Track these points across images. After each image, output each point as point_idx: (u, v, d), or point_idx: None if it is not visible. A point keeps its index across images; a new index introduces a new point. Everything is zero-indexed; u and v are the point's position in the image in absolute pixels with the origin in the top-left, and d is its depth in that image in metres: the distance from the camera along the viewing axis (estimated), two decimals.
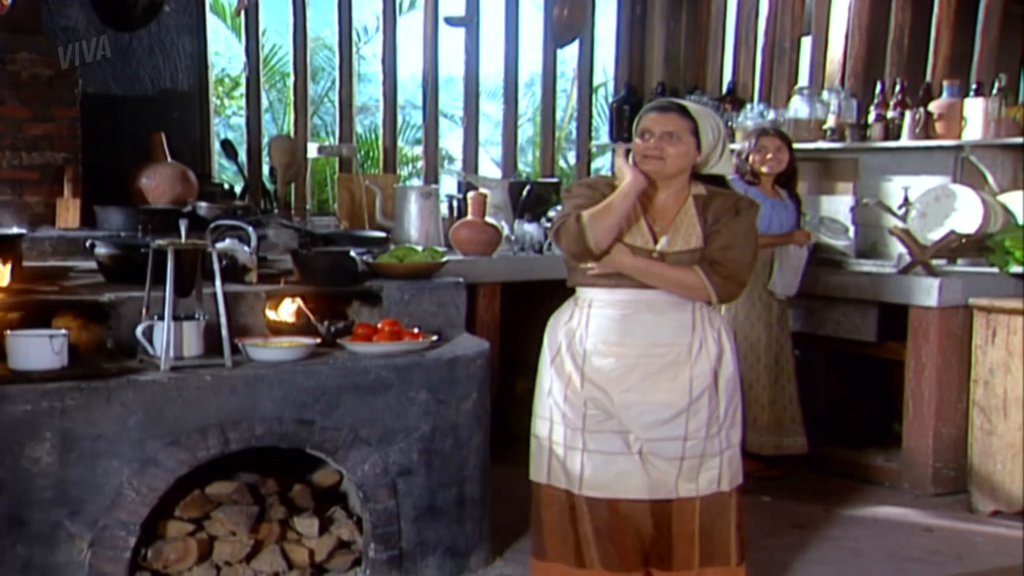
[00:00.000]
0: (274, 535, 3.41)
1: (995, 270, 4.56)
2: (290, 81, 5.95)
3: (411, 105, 8.09)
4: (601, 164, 7.92)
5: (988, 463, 4.36)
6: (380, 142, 6.14)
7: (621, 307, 2.93)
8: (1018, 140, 4.76)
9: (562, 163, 8.75)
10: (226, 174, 6.43)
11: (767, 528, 4.20)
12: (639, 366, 2.91)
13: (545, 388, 3.07)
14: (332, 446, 3.41)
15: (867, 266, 4.97)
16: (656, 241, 2.91)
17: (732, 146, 5.20)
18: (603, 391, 2.93)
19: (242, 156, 5.45)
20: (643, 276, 2.90)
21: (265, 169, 5.50)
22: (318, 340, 3.59)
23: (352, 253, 3.99)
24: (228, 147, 5.23)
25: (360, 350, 3.56)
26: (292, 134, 5.72)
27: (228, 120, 8.89)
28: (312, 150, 5.59)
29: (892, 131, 5.13)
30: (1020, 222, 4.64)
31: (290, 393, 3.34)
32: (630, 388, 2.91)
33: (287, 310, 3.82)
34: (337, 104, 5.85)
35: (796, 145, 5.04)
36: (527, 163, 8.76)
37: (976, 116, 4.82)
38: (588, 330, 2.96)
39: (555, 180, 6.25)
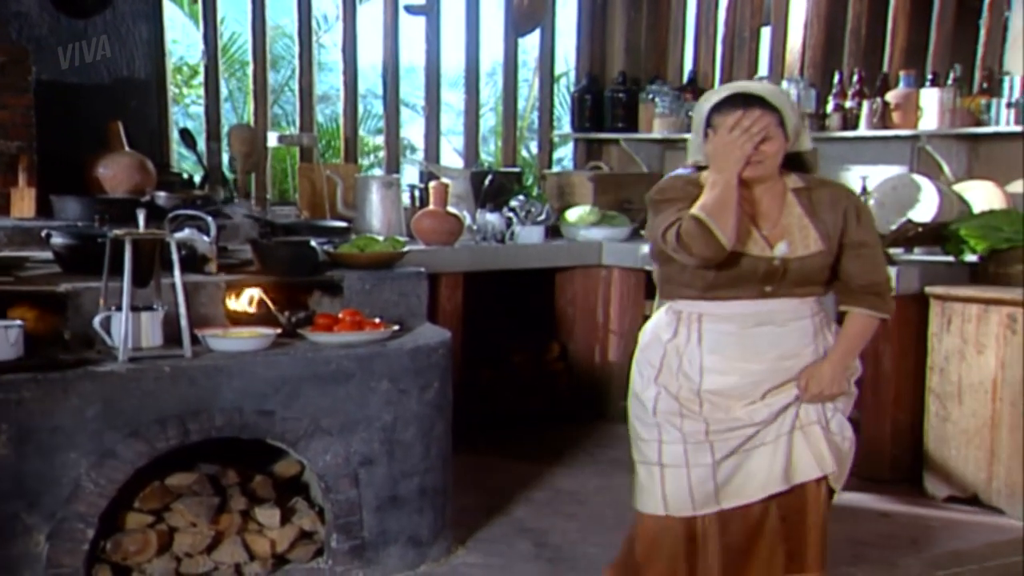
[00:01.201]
0: (235, 526, 3.40)
1: (951, 259, 4.62)
2: (249, 70, 5.90)
3: (372, 94, 8.05)
4: (563, 154, 7.93)
5: (943, 449, 4.42)
6: (341, 131, 6.11)
7: (740, 321, 2.64)
8: (972, 130, 4.83)
9: (524, 153, 8.75)
10: (186, 163, 6.38)
11: None
12: (765, 381, 2.67)
13: (648, 407, 2.72)
14: (293, 436, 3.40)
15: None
16: (772, 247, 2.62)
17: (689, 136, 5.23)
18: (725, 410, 2.67)
19: (201, 145, 5.40)
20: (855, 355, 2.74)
21: (225, 158, 5.46)
22: (279, 330, 3.57)
23: (313, 243, 3.97)
24: (187, 136, 5.19)
25: (321, 340, 3.54)
26: (252, 123, 5.68)
27: (187, 109, 8.81)
28: (272, 139, 5.56)
29: (850, 121, 5.17)
30: (975, 211, 4.70)
31: (250, 384, 3.32)
32: (755, 400, 2.67)
33: (247, 300, 3.79)
34: (297, 93, 5.81)
35: None
36: (489, 153, 8.75)
37: (932, 106, 4.87)
38: (702, 347, 2.66)
39: (517, 170, 6.26)
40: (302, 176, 5.59)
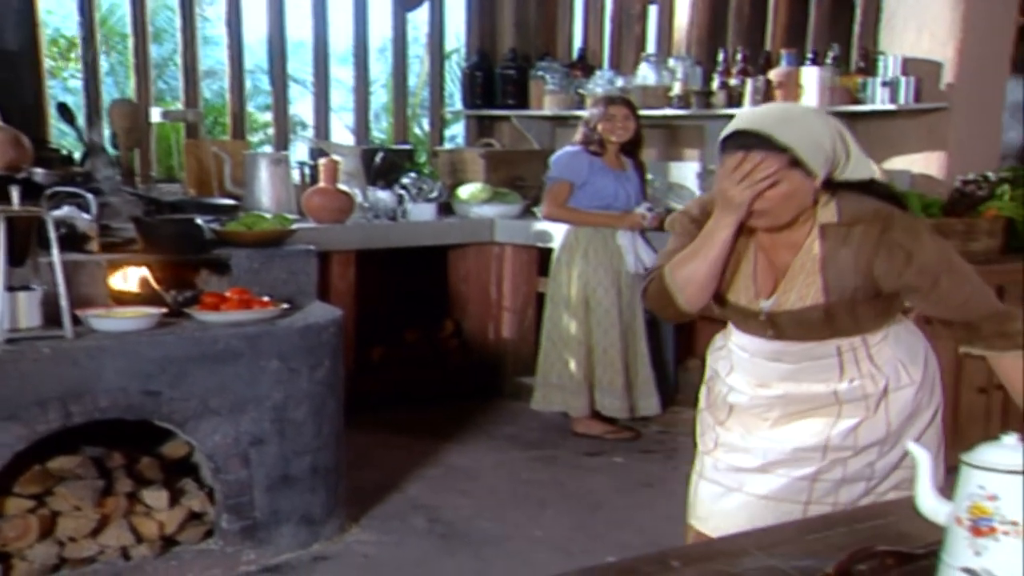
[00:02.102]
0: (121, 509, 3.33)
1: None
2: (130, 43, 5.74)
3: (260, 70, 7.89)
4: (457, 131, 7.92)
5: None
6: (228, 107, 5.99)
7: (752, 351, 2.38)
8: (850, 108, 4.97)
9: (417, 130, 8.70)
10: (67, 139, 6.18)
11: (618, 488, 4.32)
12: (776, 406, 2.38)
13: (701, 405, 2.57)
14: (181, 417, 3.35)
15: None
16: (758, 298, 2.29)
17: (579, 113, 5.28)
18: (742, 427, 2.43)
19: (81, 120, 5.24)
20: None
21: (107, 134, 5.30)
22: (164, 310, 3.50)
23: (198, 220, 3.90)
24: (65, 111, 5.02)
25: (208, 319, 3.49)
26: (134, 98, 5.54)
27: (66, 83, 8.52)
28: (156, 115, 5.42)
29: (735, 98, 5.28)
30: None
31: (135, 364, 3.25)
32: (769, 426, 2.39)
33: (131, 280, 3.71)
34: (181, 68, 5.68)
35: (644, 112, 5.14)
36: (382, 130, 8.68)
37: (812, 84, 4.99)
38: (731, 362, 2.46)
39: (408, 147, 6.23)
40: (188, 153, 5.48)
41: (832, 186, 2.21)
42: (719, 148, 2.23)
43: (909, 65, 4.82)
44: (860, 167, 2.23)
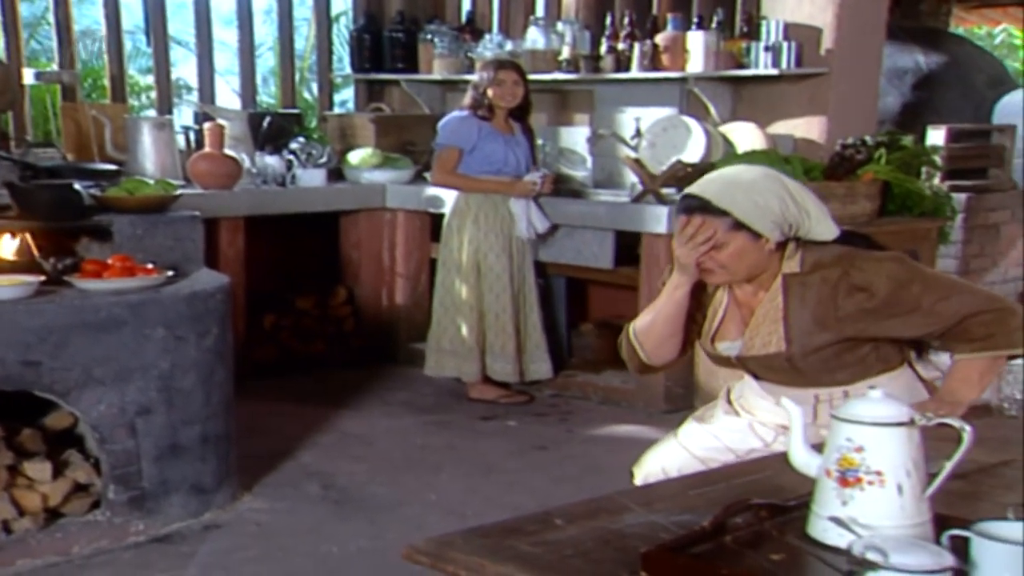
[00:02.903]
0: (1, 482, 3.24)
1: None
2: None
3: (140, 30, 7.67)
4: (346, 96, 7.82)
5: (712, 380, 4.67)
6: (107, 69, 5.81)
7: (748, 386, 2.49)
8: (734, 72, 5.06)
9: (307, 95, 8.58)
10: None
11: (512, 451, 4.36)
12: (748, 425, 2.48)
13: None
14: (63, 387, 3.26)
15: (603, 195, 5.16)
16: (714, 344, 2.41)
17: (469, 77, 5.25)
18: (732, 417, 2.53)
19: None
20: (973, 392, 2.22)
21: None
22: (43, 278, 3.40)
23: (76, 186, 3.79)
24: None
25: (90, 287, 3.40)
26: (4, 59, 5.32)
27: None
28: (29, 76, 5.23)
29: (623, 63, 5.31)
30: (739, 152, 4.95)
31: (12, 334, 3.15)
32: (724, 446, 2.49)
33: (6, 247, 3.59)
34: (54, 27, 5.47)
35: (534, 76, 5.15)
36: (271, 95, 8.53)
37: (698, 49, 5.06)
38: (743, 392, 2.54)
39: (297, 111, 6.13)
40: (66, 116, 5.30)
41: (800, 240, 2.28)
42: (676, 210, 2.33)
43: (791, 30, 4.92)
44: (821, 228, 2.28)
